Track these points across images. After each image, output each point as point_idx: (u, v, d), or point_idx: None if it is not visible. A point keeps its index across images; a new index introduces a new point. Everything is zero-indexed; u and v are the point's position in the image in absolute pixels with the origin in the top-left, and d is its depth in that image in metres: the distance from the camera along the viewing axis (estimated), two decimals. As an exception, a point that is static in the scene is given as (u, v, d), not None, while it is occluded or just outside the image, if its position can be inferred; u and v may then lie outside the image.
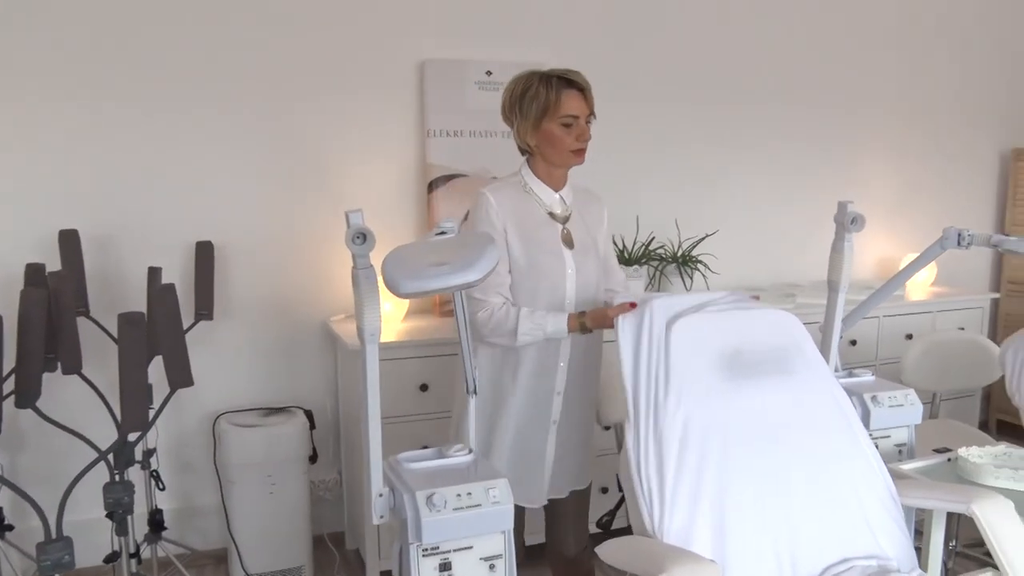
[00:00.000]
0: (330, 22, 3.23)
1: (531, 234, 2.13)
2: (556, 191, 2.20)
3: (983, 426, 4.52)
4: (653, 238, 3.71)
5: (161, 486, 2.99)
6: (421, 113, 3.38)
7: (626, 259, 3.49)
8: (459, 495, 1.65)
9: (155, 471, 2.98)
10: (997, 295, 4.33)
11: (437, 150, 3.36)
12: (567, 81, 2.09)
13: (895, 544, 1.85)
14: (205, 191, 3.15)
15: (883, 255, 4.43)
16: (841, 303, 2.31)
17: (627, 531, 1.82)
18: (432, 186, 3.36)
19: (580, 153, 2.13)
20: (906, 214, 4.47)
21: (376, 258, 1.50)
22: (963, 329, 4.05)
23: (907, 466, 2.14)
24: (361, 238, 1.49)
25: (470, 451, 1.84)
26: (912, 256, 4.27)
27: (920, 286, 4.25)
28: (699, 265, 3.66)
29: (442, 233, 1.52)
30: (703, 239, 3.76)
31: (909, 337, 3.88)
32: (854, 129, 4.27)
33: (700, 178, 3.94)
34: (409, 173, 3.41)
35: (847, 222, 2.22)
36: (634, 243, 3.63)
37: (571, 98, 2.08)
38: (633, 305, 1.89)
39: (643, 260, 3.51)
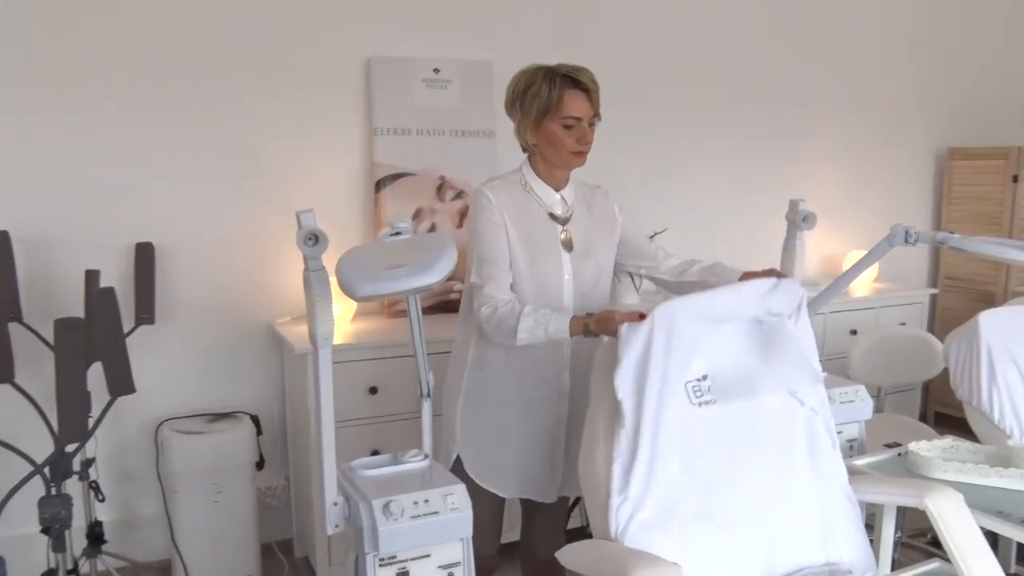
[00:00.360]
0: (275, 19, 3.15)
1: (530, 234, 2.05)
2: (557, 191, 2.12)
3: (922, 418, 4.63)
4: (602, 237, 3.70)
5: (100, 498, 2.88)
6: (368, 111, 3.32)
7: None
8: (416, 503, 1.61)
9: (94, 482, 2.87)
10: (935, 291, 4.43)
11: (384, 149, 3.31)
12: (572, 80, 2.00)
13: (853, 547, 1.86)
14: (145, 191, 3.05)
15: (827, 252, 4.50)
16: (792, 300, 2.32)
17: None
18: (379, 185, 3.31)
19: (581, 155, 2.05)
20: (848, 212, 4.55)
21: (326, 260, 1.46)
22: (904, 324, 4.13)
23: (860, 461, 2.17)
24: (313, 239, 1.44)
25: (426, 456, 1.80)
26: (856, 253, 4.37)
27: (863, 283, 4.33)
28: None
29: (397, 234, 1.47)
30: (652, 237, 3.75)
31: (853, 333, 3.95)
32: (799, 128, 4.34)
33: (648, 175, 3.95)
34: (356, 172, 3.35)
35: (799, 220, 2.23)
36: (584, 242, 3.62)
37: (574, 99, 1.99)
38: (642, 316, 1.76)
39: (593, 259, 3.50)
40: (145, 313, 2.94)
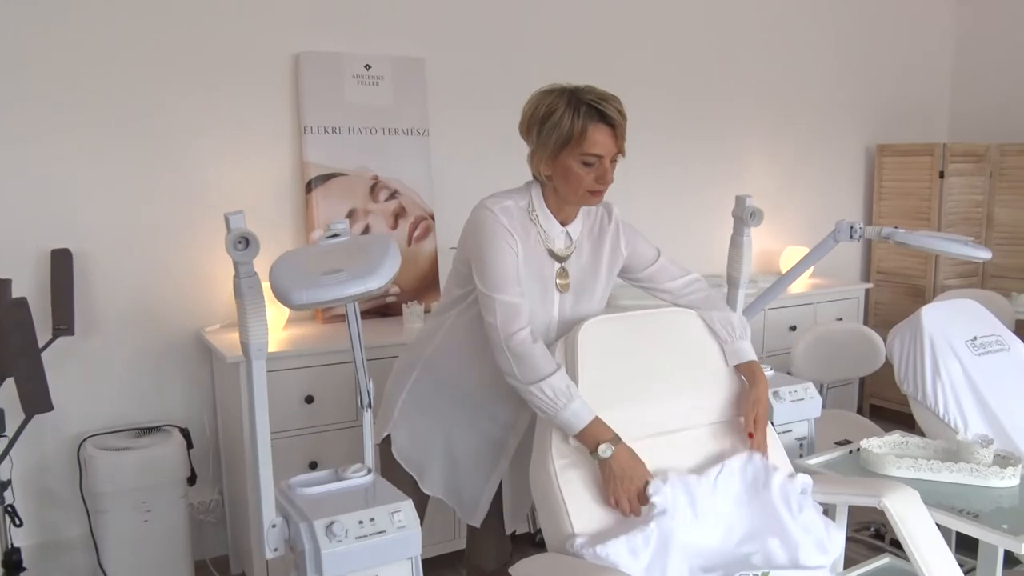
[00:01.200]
0: (198, 13, 3.00)
1: (530, 271, 1.87)
2: (564, 225, 1.94)
3: (859, 411, 4.69)
4: (543, 236, 3.64)
5: (18, 522, 2.70)
6: (296, 109, 3.19)
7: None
8: (361, 522, 1.52)
9: (10, 506, 2.68)
10: (869, 285, 4.49)
11: (315, 148, 3.18)
12: (598, 112, 1.79)
13: (816, 549, 1.82)
14: (61, 194, 2.86)
15: (763, 247, 4.52)
16: (742, 298, 2.29)
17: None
18: (310, 186, 3.18)
19: (598, 195, 1.86)
20: (784, 208, 4.58)
21: (258, 265, 1.35)
22: (841, 319, 4.17)
23: (813, 461, 2.14)
24: (243, 243, 1.33)
25: (369, 471, 1.70)
26: (794, 249, 4.39)
27: (799, 279, 4.33)
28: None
29: (334, 236, 1.37)
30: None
31: (793, 329, 3.97)
32: (734, 124, 4.34)
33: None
34: (285, 172, 3.21)
35: (746, 216, 2.20)
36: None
37: (599, 133, 1.79)
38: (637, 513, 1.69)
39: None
40: (63, 324, 2.76)
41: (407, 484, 2.00)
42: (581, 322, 1.82)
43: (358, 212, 3.24)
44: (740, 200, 2.22)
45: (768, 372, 2.46)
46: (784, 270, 4.36)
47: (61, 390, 2.90)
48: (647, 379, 1.85)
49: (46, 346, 2.71)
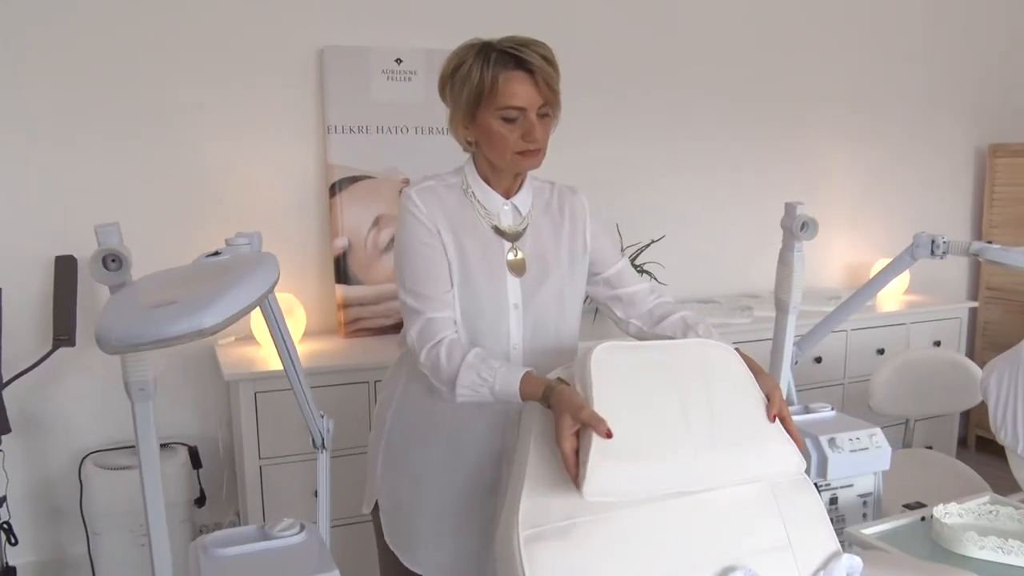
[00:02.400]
0: (214, 5, 2.79)
1: (466, 253, 1.62)
2: (507, 197, 1.68)
3: (962, 443, 4.16)
4: (591, 246, 3.30)
5: (14, 540, 2.56)
6: (320, 107, 2.95)
7: (559, 270, 3.08)
8: (274, 600, 1.24)
9: (6, 523, 2.56)
10: (975, 304, 3.96)
11: (339, 148, 2.94)
12: (513, 58, 1.54)
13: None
14: (66, 198, 2.70)
15: (850, 261, 4.05)
16: (791, 326, 1.91)
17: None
18: (334, 189, 2.94)
19: (529, 156, 1.59)
20: (874, 215, 4.09)
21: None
22: (939, 343, 3.67)
23: (870, 530, 1.74)
24: (116, 262, 1.07)
25: (302, 528, 1.42)
26: (883, 262, 3.91)
27: (892, 295, 3.86)
28: (645, 275, 3.26)
29: (215, 255, 1.09)
30: (648, 245, 3.35)
31: (881, 352, 3.50)
32: (813, 123, 3.90)
33: (644, 177, 3.54)
34: (308, 175, 2.98)
35: (796, 228, 1.82)
36: (569, 252, 3.22)
37: (514, 82, 1.53)
38: (610, 434, 1.34)
39: (579, 271, 3.10)
40: (64, 334, 2.61)
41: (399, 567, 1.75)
42: (591, 348, 1.46)
43: (385, 218, 2.98)
44: (790, 208, 1.84)
45: (828, 413, 2.08)
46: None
47: (62, 403, 2.76)
48: (675, 425, 1.46)
49: (45, 357, 2.56)
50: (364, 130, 2.96)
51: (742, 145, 3.75)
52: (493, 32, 3.29)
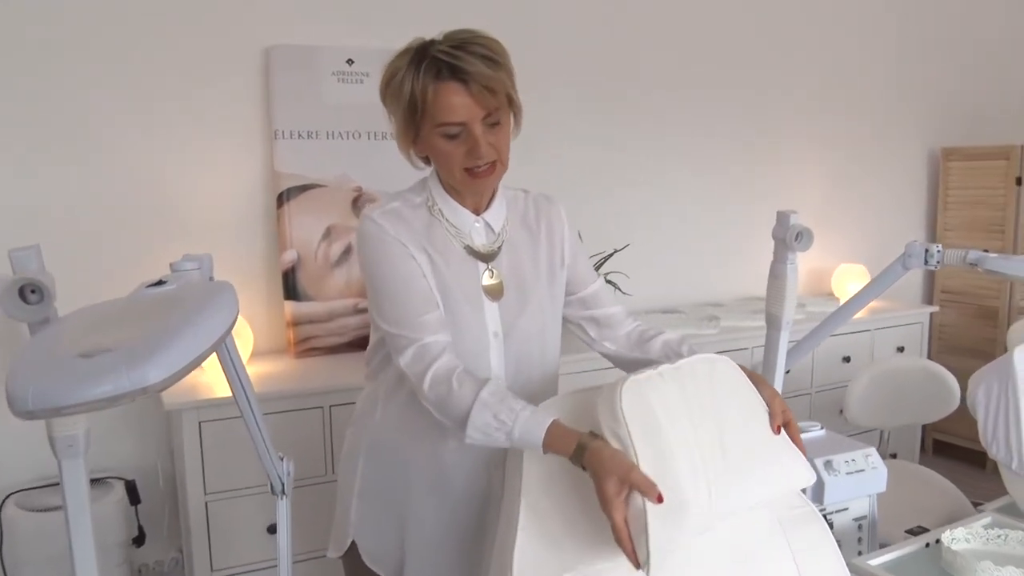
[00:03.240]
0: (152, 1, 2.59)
1: (445, 276, 1.45)
2: (477, 213, 1.50)
3: (921, 448, 4.13)
4: (553, 256, 3.16)
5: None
6: (267, 110, 2.75)
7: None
8: None
9: (-81, 573, 2.31)
10: (935, 308, 3.93)
11: (287, 155, 2.75)
12: (447, 66, 1.34)
13: None
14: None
15: (812, 266, 3.99)
16: (784, 342, 1.80)
17: None
18: (282, 199, 2.74)
19: (483, 174, 1.40)
20: (834, 220, 4.04)
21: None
22: (903, 349, 3.63)
23: (877, 560, 1.63)
24: (36, 293, 0.89)
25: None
26: (847, 267, 3.86)
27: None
28: (608, 285, 3.13)
29: (159, 284, 0.91)
30: (611, 255, 3.23)
31: (847, 360, 3.44)
32: (777, 131, 3.83)
33: (606, 185, 3.42)
34: (253, 184, 2.78)
35: (790, 238, 1.70)
36: (531, 262, 3.07)
37: (448, 94, 1.34)
38: (660, 499, 1.18)
39: (542, 282, 2.96)
40: (-16, 362, 2.37)
41: None
42: (615, 392, 1.29)
43: (337, 229, 2.80)
44: (783, 217, 1.73)
45: (817, 432, 1.97)
46: (836, 292, 3.83)
47: (-17, 438, 2.53)
48: (693, 464, 1.30)
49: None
50: (314, 135, 2.78)
51: (706, 153, 3.66)
52: (450, 28, 3.13)
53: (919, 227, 4.42)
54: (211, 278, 1.15)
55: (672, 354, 1.54)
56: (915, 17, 4.21)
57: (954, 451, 4.25)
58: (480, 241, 1.50)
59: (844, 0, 3.94)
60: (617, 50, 3.39)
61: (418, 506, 1.55)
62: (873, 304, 3.81)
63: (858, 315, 3.52)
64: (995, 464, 3.89)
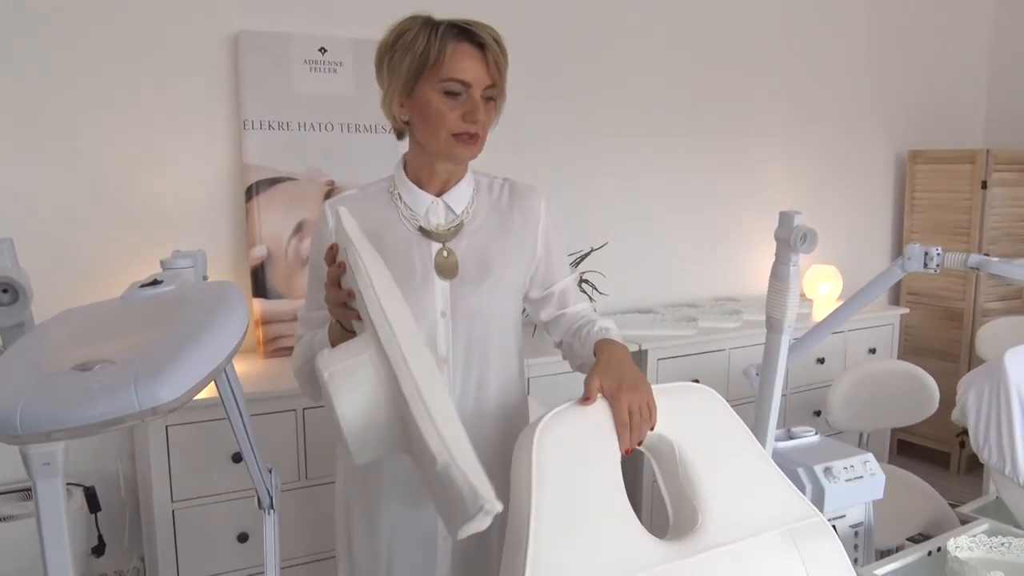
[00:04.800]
0: (109, -21, 2.45)
1: (387, 259, 1.42)
2: (439, 195, 1.49)
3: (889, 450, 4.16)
4: (531, 254, 3.09)
5: None
6: (235, 100, 2.64)
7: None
8: None
9: None
10: (905, 310, 3.95)
11: (257, 146, 2.63)
12: (465, 32, 1.39)
13: None
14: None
15: (783, 267, 3.97)
16: (785, 347, 1.75)
17: None
18: (251, 192, 2.63)
19: (467, 142, 1.41)
20: (806, 221, 4.03)
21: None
22: (875, 350, 3.63)
23: (883, 570, 1.59)
24: (9, 292, 0.79)
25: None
26: (820, 268, 3.85)
27: (828, 303, 3.80)
28: (585, 284, 3.07)
29: (154, 284, 0.81)
30: (588, 254, 3.17)
31: (821, 362, 3.42)
32: (749, 130, 3.81)
33: (582, 183, 3.36)
34: (220, 176, 2.66)
35: (795, 240, 1.65)
36: (508, 261, 3.00)
37: (464, 55, 1.38)
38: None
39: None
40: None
41: None
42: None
43: (308, 224, 2.69)
44: (786, 218, 1.68)
45: (812, 438, 1.94)
46: (808, 293, 3.83)
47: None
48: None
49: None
50: (285, 126, 2.67)
51: (682, 155, 3.62)
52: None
53: (887, 228, 4.44)
54: (204, 277, 1.05)
55: (584, 338, 1.51)
56: (883, 22, 4.22)
57: (918, 451, 4.28)
58: (436, 221, 1.49)
59: (813, 5, 3.93)
60: (597, 53, 3.33)
61: (392, 519, 1.49)
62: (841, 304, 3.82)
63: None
64: (960, 465, 3.94)
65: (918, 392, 2.74)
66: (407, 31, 1.40)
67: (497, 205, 1.55)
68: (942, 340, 4.24)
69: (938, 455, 4.22)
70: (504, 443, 1.43)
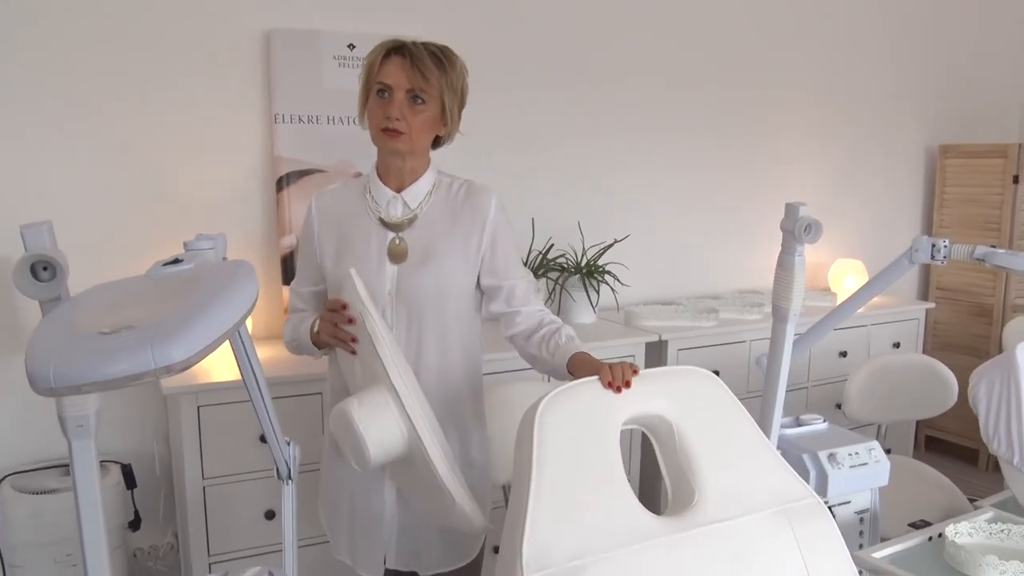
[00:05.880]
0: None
1: (350, 244, 1.72)
2: (399, 191, 1.72)
3: (914, 445, 4.16)
4: (552, 245, 3.15)
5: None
6: (267, 94, 2.73)
7: (521, 271, 2.92)
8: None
9: (-90, 556, 2.29)
10: (931, 304, 3.94)
11: (287, 140, 2.73)
12: (396, 46, 1.66)
13: None
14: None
15: (809, 261, 3.96)
16: (790, 335, 1.80)
17: None
18: (282, 183, 2.73)
19: (391, 135, 1.64)
20: (833, 215, 4.04)
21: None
22: (899, 345, 3.64)
23: (881, 554, 1.63)
24: (48, 270, 0.87)
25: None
26: (844, 262, 3.87)
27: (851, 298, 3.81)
28: (607, 276, 3.13)
29: (175, 263, 0.90)
30: (611, 246, 3.22)
31: (843, 355, 3.44)
32: (777, 124, 3.83)
33: (606, 176, 3.41)
34: (253, 168, 2.75)
35: (799, 230, 1.70)
36: (529, 251, 3.06)
37: (390, 63, 1.64)
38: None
39: (541, 272, 2.95)
40: (-22, 343, 2.35)
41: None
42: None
43: (337, 215, 2.78)
44: (791, 209, 1.72)
45: (820, 425, 1.98)
46: (833, 287, 3.84)
47: (-23, 419, 2.52)
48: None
49: (-43, 369, 2.31)
50: (314, 120, 2.76)
51: (708, 146, 3.65)
52: (447, 16, 3.14)
53: (916, 224, 4.43)
54: (224, 258, 1.13)
55: (551, 345, 1.68)
56: (913, 14, 4.20)
57: (946, 447, 4.27)
58: (394, 214, 1.72)
59: (844, 4, 3.94)
60: (618, 44, 3.38)
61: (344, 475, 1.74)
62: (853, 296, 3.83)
63: (855, 311, 3.56)
64: (988, 461, 3.92)
65: (937, 385, 2.76)
66: (370, 53, 1.68)
67: (451, 202, 1.74)
68: (970, 336, 4.22)
69: (966, 451, 4.20)
70: (439, 398, 1.70)
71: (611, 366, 1.44)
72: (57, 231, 1.41)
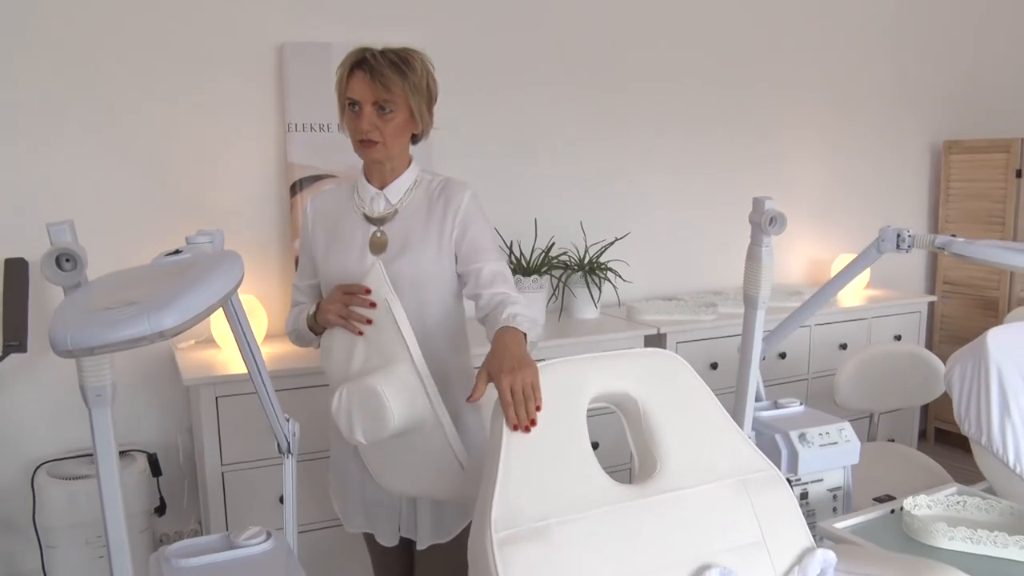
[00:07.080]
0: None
1: (338, 238, 1.86)
2: (381, 189, 1.86)
3: (922, 436, 4.22)
4: (554, 243, 3.28)
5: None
6: (280, 104, 2.89)
7: (524, 269, 3.05)
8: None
9: (-44, 538, 2.46)
10: (934, 298, 4.02)
11: (300, 146, 2.89)
12: (360, 60, 1.76)
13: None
14: (16, 199, 2.62)
15: (813, 256, 4.09)
16: (760, 321, 1.91)
17: None
18: (295, 188, 2.88)
19: (367, 146, 1.77)
20: (836, 211, 4.14)
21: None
22: (900, 337, 3.72)
23: (842, 524, 1.74)
24: (70, 262, 1.02)
25: (268, 536, 1.38)
26: (846, 257, 3.95)
27: (853, 290, 3.90)
28: (609, 273, 3.25)
29: (175, 253, 1.05)
30: (612, 243, 3.35)
31: (843, 347, 3.53)
32: (779, 121, 3.92)
33: (607, 174, 3.53)
34: (268, 174, 2.92)
35: (764, 222, 1.81)
36: (532, 249, 3.19)
37: (354, 79, 1.75)
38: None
39: (544, 269, 3.08)
40: (15, 340, 2.52)
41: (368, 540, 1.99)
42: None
43: (347, 217, 2.93)
44: (758, 203, 1.84)
45: (797, 408, 2.08)
46: (835, 281, 3.92)
47: (13, 411, 2.68)
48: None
49: (-4, 363, 2.48)
50: (326, 128, 2.91)
51: (709, 142, 3.75)
52: (454, 30, 3.27)
53: (922, 219, 4.49)
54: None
55: (490, 323, 1.73)
56: (917, 10, 4.28)
57: (954, 439, 4.33)
58: (377, 209, 1.85)
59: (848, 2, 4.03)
60: (621, 46, 3.49)
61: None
62: (872, 292, 3.92)
63: (855, 303, 3.65)
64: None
65: (926, 374, 2.84)
66: (338, 69, 1.79)
67: (429, 197, 1.86)
68: (977, 329, 4.23)
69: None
70: None
71: (514, 399, 1.45)
72: (82, 231, 1.57)
